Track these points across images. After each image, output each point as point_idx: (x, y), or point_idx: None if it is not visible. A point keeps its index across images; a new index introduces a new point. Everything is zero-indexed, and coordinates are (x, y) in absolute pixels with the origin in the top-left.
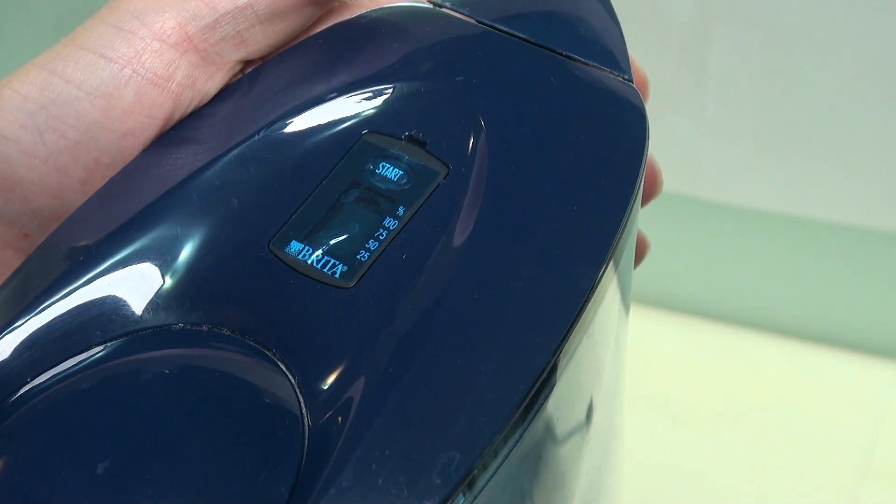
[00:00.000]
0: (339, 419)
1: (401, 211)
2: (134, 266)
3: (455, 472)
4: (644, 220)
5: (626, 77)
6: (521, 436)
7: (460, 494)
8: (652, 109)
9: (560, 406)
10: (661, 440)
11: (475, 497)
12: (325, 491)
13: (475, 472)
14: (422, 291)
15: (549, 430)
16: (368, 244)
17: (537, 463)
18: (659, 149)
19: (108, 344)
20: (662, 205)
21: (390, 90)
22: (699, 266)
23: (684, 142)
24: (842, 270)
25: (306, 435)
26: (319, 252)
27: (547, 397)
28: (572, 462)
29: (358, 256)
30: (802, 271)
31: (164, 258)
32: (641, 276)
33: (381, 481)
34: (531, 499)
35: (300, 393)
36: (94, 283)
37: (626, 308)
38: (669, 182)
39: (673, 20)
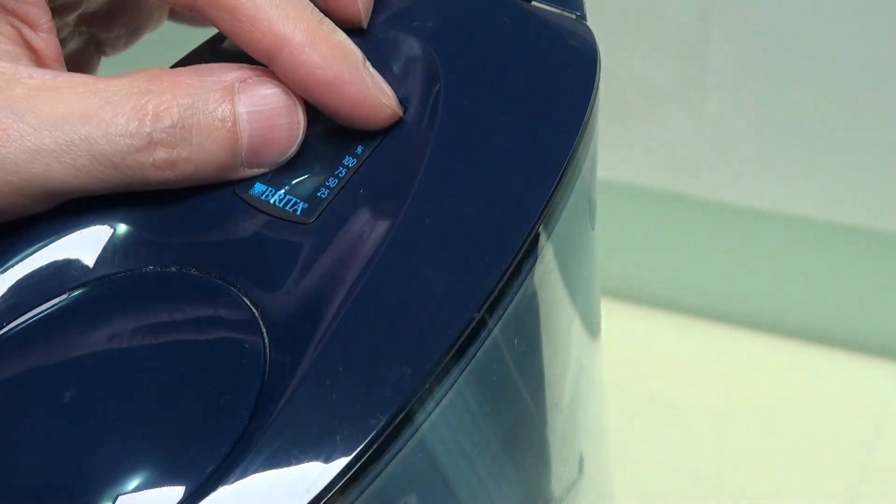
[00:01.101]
0: (298, 345)
1: (359, 150)
2: (107, 215)
3: (406, 385)
4: (644, 220)
5: (578, 14)
6: (472, 356)
7: (413, 408)
8: (652, 109)
9: (514, 333)
10: (660, 440)
11: (428, 414)
12: (282, 409)
13: (426, 386)
14: (376, 222)
15: (501, 357)
16: (328, 182)
17: (494, 390)
18: (659, 149)
19: (82, 287)
20: (663, 205)
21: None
22: (699, 266)
23: (684, 142)
24: (842, 270)
25: (267, 362)
26: (282, 192)
27: (498, 319)
28: (535, 391)
29: (318, 194)
30: (802, 271)
31: (136, 208)
32: (641, 275)
33: (335, 396)
34: (492, 425)
35: (262, 323)
36: (69, 233)
37: (587, 244)
38: (670, 182)
39: (673, 20)
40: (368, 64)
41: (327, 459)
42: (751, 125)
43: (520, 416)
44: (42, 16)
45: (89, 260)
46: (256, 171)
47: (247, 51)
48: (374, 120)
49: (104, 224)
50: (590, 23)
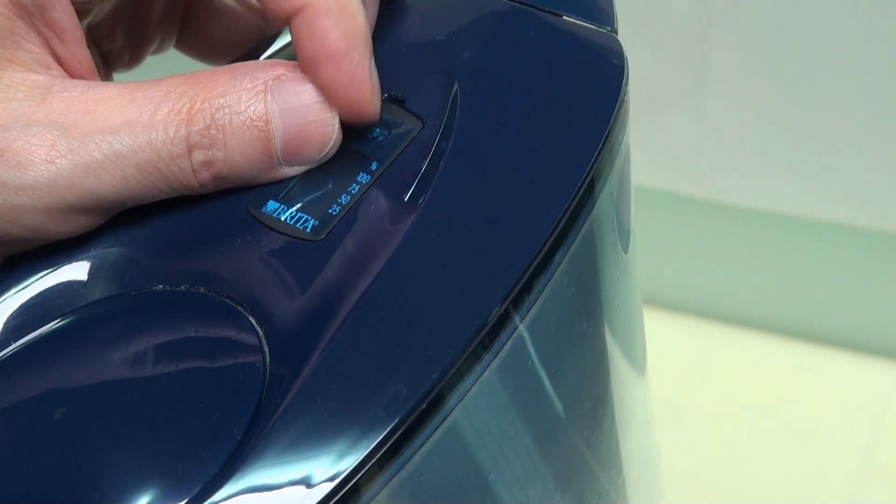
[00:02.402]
0: (297, 365)
1: (374, 166)
2: (121, 235)
3: (401, 404)
4: (645, 219)
5: (609, 28)
6: (475, 377)
7: (409, 428)
8: (652, 109)
9: (519, 361)
10: (661, 440)
11: (427, 436)
12: (271, 429)
13: (422, 406)
14: (383, 238)
15: (513, 380)
16: (340, 199)
17: (496, 417)
18: (659, 149)
19: (91, 306)
20: (663, 205)
21: (376, 47)
22: (699, 266)
23: (684, 142)
24: (842, 270)
25: (266, 381)
26: (293, 209)
27: (507, 338)
28: (543, 420)
29: (329, 211)
30: (802, 271)
31: (149, 226)
32: (641, 276)
33: (325, 415)
34: (496, 452)
35: (265, 343)
36: (83, 254)
37: (623, 249)
38: (670, 183)
39: (673, 20)
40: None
41: (309, 485)
42: (751, 125)
43: (530, 443)
44: (69, 22)
45: (101, 280)
46: (298, 170)
47: (269, 9)
48: (357, 110)
49: (117, 244)
50: None
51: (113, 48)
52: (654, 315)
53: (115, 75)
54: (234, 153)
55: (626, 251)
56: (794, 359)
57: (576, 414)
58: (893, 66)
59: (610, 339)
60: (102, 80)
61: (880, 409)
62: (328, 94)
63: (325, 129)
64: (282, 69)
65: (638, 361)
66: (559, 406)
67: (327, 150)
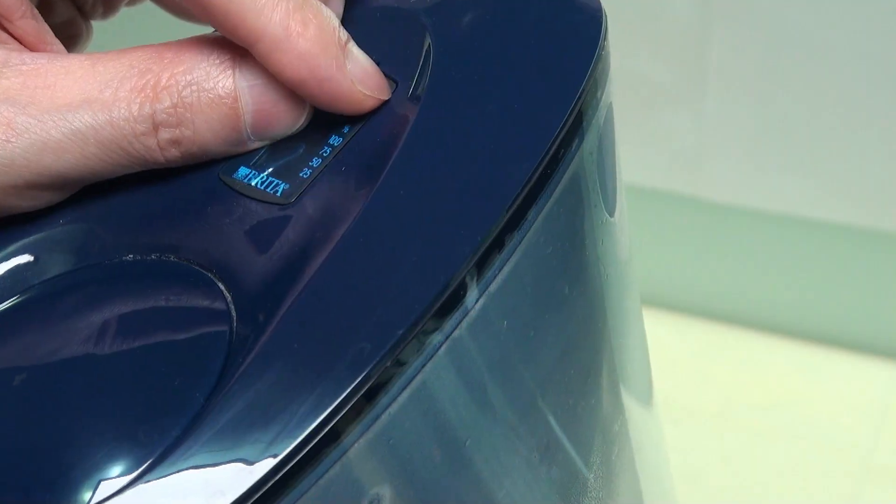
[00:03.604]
0: (261, 327)
1: (346, 129)
2: (92, 205)
3: (364, 362)
4: (645, 219)
5: None
6: (444, 336)
7: (373, 388)
8: (652, 109)
9: (489, 319)
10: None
11: (393, 397)
12: (231, 388)
13: (387, 365)
14: (352, 199)
15: (486, 341)
16: (312, 162)
17: (465, 375)
18: (659, 149)
19: (60, 277)
20: (663, 205)
21: (346, 18)
22: (699, 266)
23: (684, 142)
24: (842, 270)
25: (232, 346)
26: (264, 174)
27: (478, 297)
28: (523, 384)
29: (300, 175)
30: (802, 271)
31: (121, 196)
32: (641, 276)
33: (287, 375)
34: (462, 417)
35: (233, 308)
36: (54, 226)
37: (608, 211)
38: (670, 182)
39: (673, 20)
40: (352, 46)
41: (267, 446)
42: (750, 125)
43: (510, 409)
44: (14, 3)
45: (70, 251)
46: (268, 142)
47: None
48: (356, 111)
49: (87, 215)
50: None
51: (87, 1)
52: (654, 315)
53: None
54: (203, 131)
55: (611, 214)
56: (794, 359)
57: (560, 382)
58: (893, 66)
59: (598, 306)
60: (81, 31)
61: (880, 409)
62: (322, 107)
63: (297, 103)
64: None
65: (632, 332)
66: (540, 372)
67: (299, 125)
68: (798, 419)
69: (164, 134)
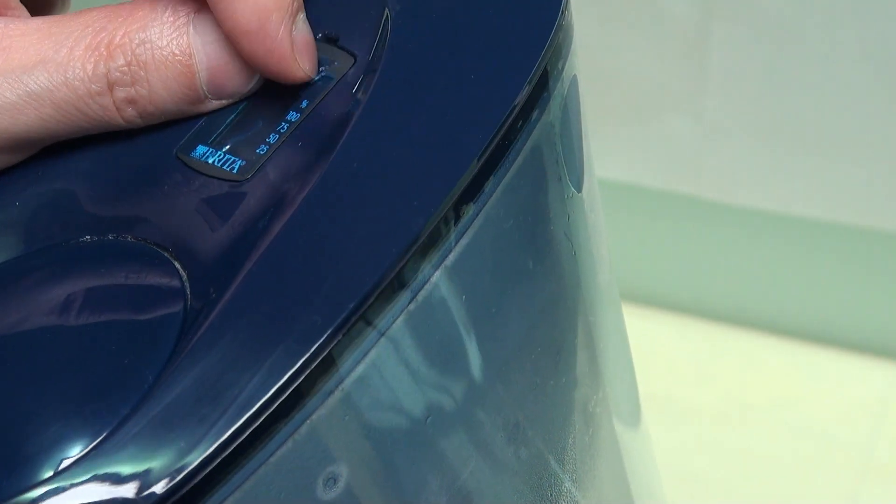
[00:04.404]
0: (213, 304)
1: (304, 104)
2: (49, 184)
3: (314, 335)
4: (645, 219)
5: None
6: (399, 309)
7: (324, 363)
8: (652, 109)
9: (460, 286)
10: (661, 440)
11: (343, 375)
12: (179, 364)
13: (338, 338)
14: (306, 173)
15: (444, 316)
16: (269, 139)
17: (424, 349)
18: (659, 149)
19: (15, 259)
20: (663, 205)
21: None
22: (699, 266)
23: (684, 142)
24: (842, 270)
25: (185, 323)
26: (221, 152)
27: (434, 269)
28: (474, 358)
29: (257, 151)
30: (802, 271)
31: (78, 175)
32: (641, 275)
33: (235, 350)
34: (417, 395)
35: (188, 286)
36: (9, 207)
37: (575, 186)
38: (670, 182)
39: (673, 19)
40: (302, 17)
41: (212, 423)
42: (750, 125)
43: (471, 386)
44: None
45: (29, 232)
46: (226, 102)
47: None
48: (284, 77)
49: (45, 196)
50: (590, 22)
51: None
52: (655, 315)
53: None
54: (159, 89)
55: (578, 189)
56: (794, 359)
57: (527, 360)
58: (893, 66)
59: (567, 283)
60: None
61: (880, 409)
62: (251, 65)
63: None
64: (205, 1)
65: (608, 312)
66: (504, 348)
67: (255, 81)
68: (798, 419)
69: (119, 93)
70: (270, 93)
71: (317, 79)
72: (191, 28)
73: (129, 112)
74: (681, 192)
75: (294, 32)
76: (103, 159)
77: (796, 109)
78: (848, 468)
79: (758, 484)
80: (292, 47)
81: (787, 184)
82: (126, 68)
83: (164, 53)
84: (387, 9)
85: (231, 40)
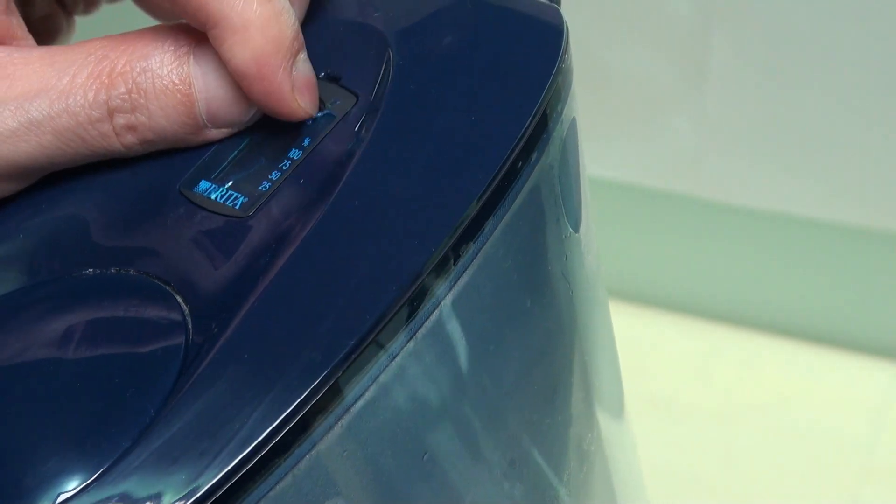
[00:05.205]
0: (215, 339)
1: (306, 142)
2: (53, 218)
3: (314, 372)
4: (645, 219)
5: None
6: (399, 347)
7: (325, 397)
8: (652, 109)
9: (460, 324)
10: (661, 440)
11: (348, 406)
12: (181, 399)
13: (338, 375)
14: (311, 212)
15: (443, 354)
16: (271, 175)
17: (419, 388)
18: (659, 148)
19: (18, 292)
20: (663, 205)
21: (309, 31)
22: (699, 266)
23: (684, 142)
24: (842, 270)
25: (187, 358)
26: (224, 188)
27: (433, 308)
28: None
29: (259, 188)
30: (802, 271)
31: (81, 209)
32: (641, 275)
33: (235, 386)
34: (416, 435)
35: (190, 321)
36: (13, 237)
37: (572, 226)
38: (670, 182)
39: (673, 19)
40: (303, 55)
41: (212, 458)
42: (751, 125)
43: (469, 423)
44: None
45: (33, 265)
46: (225, 132)
47: (189, 20)
48: (286, 117)
49: (49, 228)
50: (590, 22)
51: None
52: (655, 315)
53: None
54: (158, 117)
55: (575, 230)
56: (794, 359)
57: (524, 397)
58: (893, 66)
59: (563, 321)
60: (61, 26)
61: (880, 409)
62: (253, 103)
63: None
64: None
65: (602, 347)
66: (501, 387)
67: (254, 112)
68: (798, 419)
69: (120, 119)
70: (273, 130)
71: (319, 116)
72: (191, 58)
73: (129, 139)
74: (680, 192)
75: (294, 72)
76: (107, 193)
77: (796, 109)
78: (848, 468)
79: (758, 484)
80: (292, 88)
81: (787, 184)
82: (126, 96)
83: (165, 82)
84: (389, 49)
85: (235, 79)
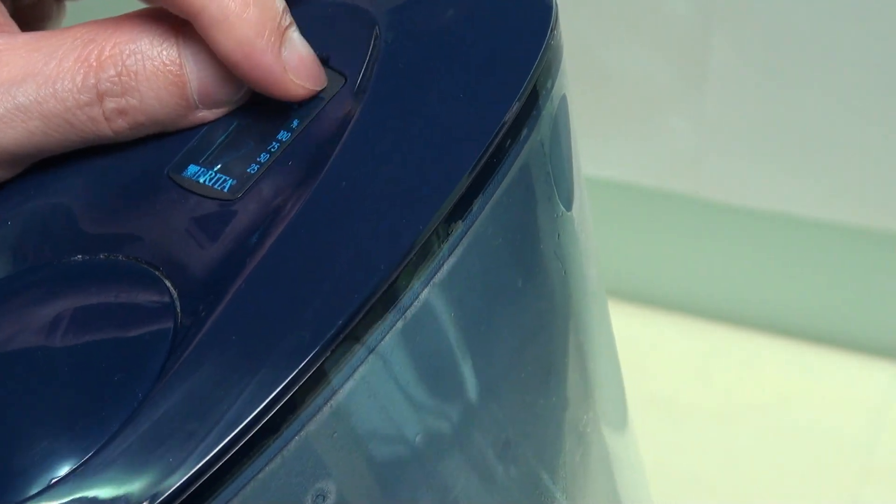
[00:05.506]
0: (203, 321)
1: (295, 124)
2: (41, 204)
3: (303, 352)
4: (645, 219)
5: None
6: (388, 326)
7: (311, 379)
8: (652, 109)
9: (449, 303)
10: (661, 440)
11: (335, 388)
12: (168, 382)
13: (326, 355)
14: (295, 193)
15: (433, 334)
16: (259, 158)
17: (411, 368)
18: (659, 149)
19: (9, 277)
20: (663, 205)
21: (297, 12)
22: (699, 266)
23: (684, 141)
24: (842, 270)
25: (175, 341)
26: (212, 171)
27: (423, 287)
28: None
29: (248, 170)
30: (802, 271)
31: (70, 196)
32: (641, 275)
33: (222, 368)
34: (406, 414)
35: (178, 304)
36: (1, 226)
37: (564, 205)
38: (670, 182)
39: (673, 19)
40: (293, 32)
41: (198, 441)
42: (751, 125)
43: (460, 404)
44: None
45: (21, 252)
46: (217, 112)
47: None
48: (286, 98)
49: (37, 215)
50: (589, 21)
51: None
52: (654, 315)
53: (69, 6)
54: (149, 99)
55: (567, 208)
56: (794, 359)
57: (517, 378)
58: (893, 66)
59: (557, 302)
60: (51, 12)
61: (880, 409)
62: (254, 89)
63: None
64: None
65: (599, 330)
66: (493, 367)
67: (245, 90)
68: (798, 419)
69: (110, 104)
70: (262, 113)
71: (307, 100)
72: (181, 39)
73: (119, 123)
74: (680, 191)
75: (285, 53)
76: (95, 179)
77: (796, 109)
78: (848, 468)
79: (758, 484)
80: (284, 68)
81: (787, 184)
82: (116, 79)
83: (155, 64)
84: (377, 29)
85: (225, 66)
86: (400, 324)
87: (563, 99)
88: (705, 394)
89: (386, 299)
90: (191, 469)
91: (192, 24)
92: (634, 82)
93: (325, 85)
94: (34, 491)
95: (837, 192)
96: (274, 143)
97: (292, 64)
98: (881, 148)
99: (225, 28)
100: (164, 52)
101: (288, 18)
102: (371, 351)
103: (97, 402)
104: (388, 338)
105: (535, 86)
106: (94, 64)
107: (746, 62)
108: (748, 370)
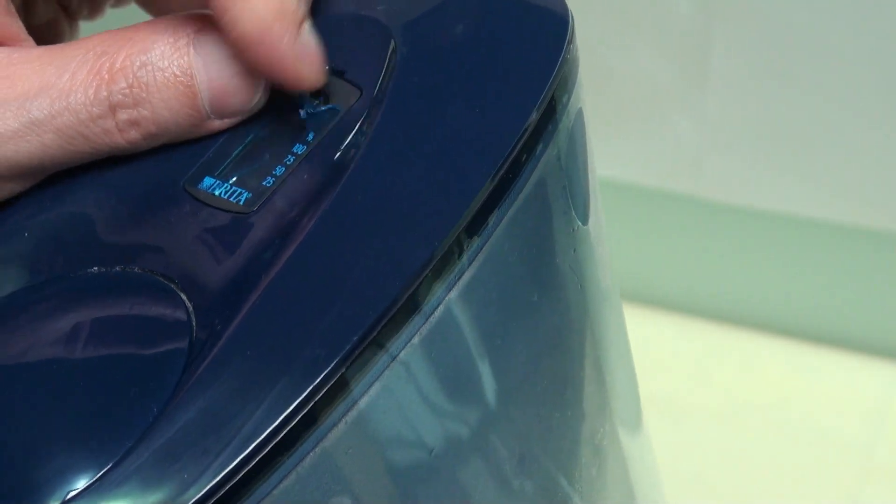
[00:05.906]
0: (218, 336)
1: (310, 137)
2: (57, 216)
3: (318, 368)
4: (645, 219)
5: None
6: (404, 341)
7: (328, 393)
8: (652, 109)
9: (464, 319)
10: (661, 440)
11: (353, 401)
12: (183, 397)
13: (344, 369)
14: (315, 206)
15: (448, 349)
16: (275, 171)
17: (425, 385)
18: (660, 148)
19: (23, 292)
20: (663, 205)
21: (316, 25)
22: (699, 266)
23: (685, 141)
24: (842, 270)
25: (190, 356)
26: (228, 184)
27: (438, 303)
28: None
29: (263, 183)
30: (802, 271)
31: (86, 207)
32: (642, 276)
33: (238, 383)
34: (422, 430)
35: (194, 318)
36: (20, 235)
37: (580, 219)
38: (670, 182)
39: (674, 19)
40: (307, 26)
41: (214, 457)
42: (751, 125)
43: (475, 420)
44: None
45: (37, 264)
46: (228, 122)
47: None
48: (291, 84)
49: (53, 227)
50: (590, 21)
51: (71, 2)
52: (655, 315)
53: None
54: (161, 110)
55: (584, 222)
56: (794, 359)
57: (530, 393)
58: (893, 66)
59: (573, 316)
60: (64, 31)
61: (880, 409)
62: (258, 72)
63: (252, 78)
64: (206, 21)
65: (615, 343)
66: (507, 382)
67: (257, 99)
68: (798, 419)
69: (122, 115)
70: (277, 125)
71: (323, 110)
72: (191, 49)
73: (132, 134)
74: (681, 191)
75: (299, 41)
76: (111, 191)
77: (797, 110)
78: (848, 468)
79: (758, 484)
80: (296, 57)
81: (787, 184)
82: (128, 90)
83: (166, 75)
84: (393, 42)
85: (237, 50)
86: (416, 339)
87: (580, 113)
88: (705, 394)
89: (402, 315)
90: (206, 485)
91: (212, 5)
92: (635, 82)
93: (322, 83)
94: None
95: (838, 193)
96: (289, 155)
97: (304, 53)
98: (882, 148)
99: (246, 7)
100: (175, 63)
101: (305, 10)
102: (387, 366)
103: (113, 417)
104: (404, 353)
105: (551, 100)
106: (106, 76)
107: (748, 62)
108: (748, 370)
